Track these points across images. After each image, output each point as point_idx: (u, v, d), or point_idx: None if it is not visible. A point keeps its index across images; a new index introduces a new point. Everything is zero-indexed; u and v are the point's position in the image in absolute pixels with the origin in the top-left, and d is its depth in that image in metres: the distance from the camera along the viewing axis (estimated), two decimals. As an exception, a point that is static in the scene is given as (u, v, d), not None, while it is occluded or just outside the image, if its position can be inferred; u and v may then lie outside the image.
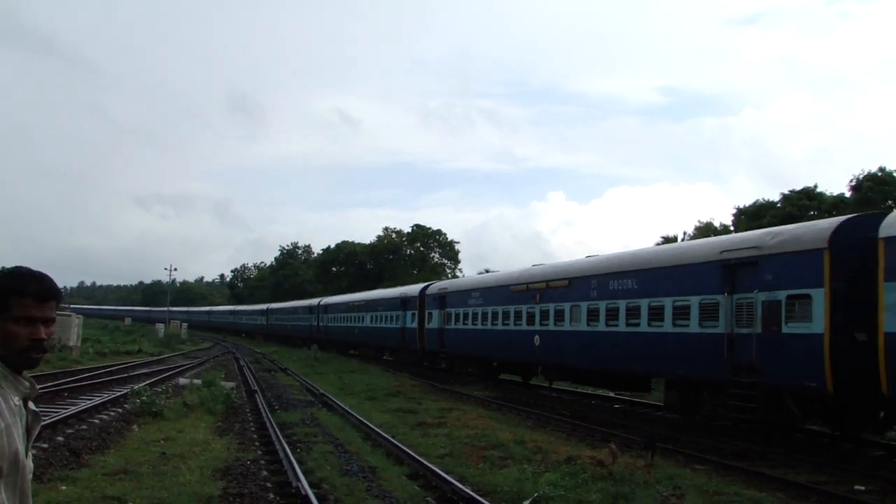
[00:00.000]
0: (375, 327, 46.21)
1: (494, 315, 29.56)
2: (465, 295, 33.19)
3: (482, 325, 30.70)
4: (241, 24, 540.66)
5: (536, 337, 25.85)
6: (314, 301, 65.76)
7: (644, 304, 19.98)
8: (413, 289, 41.79)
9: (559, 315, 24.44)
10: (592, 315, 22.45)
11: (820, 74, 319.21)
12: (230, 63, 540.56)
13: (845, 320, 14.34)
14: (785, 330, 15.33)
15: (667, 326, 19.04)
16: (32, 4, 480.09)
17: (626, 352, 20.82)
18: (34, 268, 2.63)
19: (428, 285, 39.94)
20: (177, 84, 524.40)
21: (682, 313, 18.49)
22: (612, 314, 21.37)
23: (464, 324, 32.67)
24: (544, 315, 25.37)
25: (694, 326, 18.05)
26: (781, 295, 15.52)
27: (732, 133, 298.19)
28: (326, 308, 58.92)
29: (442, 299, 35.73)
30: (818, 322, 14.59)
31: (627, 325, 20.64)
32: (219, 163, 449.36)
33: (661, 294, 19.41)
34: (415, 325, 38.80)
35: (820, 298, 14.61)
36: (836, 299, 14.45)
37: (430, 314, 36.90)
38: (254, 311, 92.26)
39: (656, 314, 19.45)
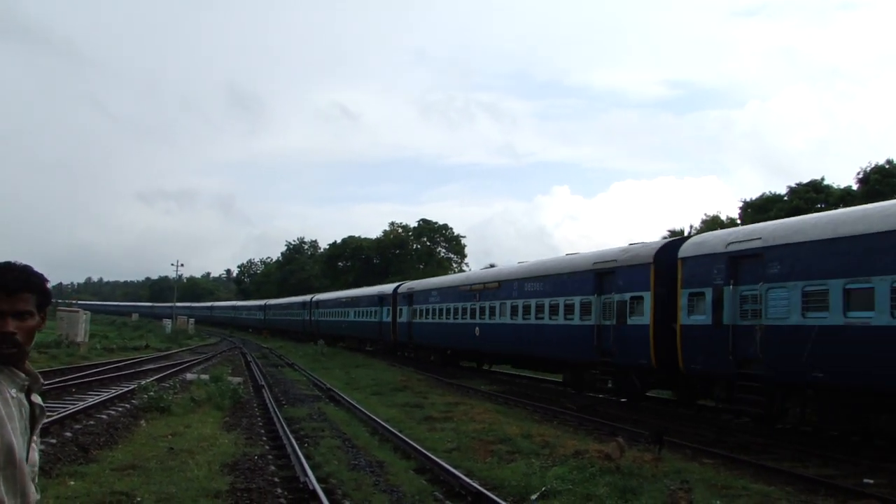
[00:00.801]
0: (358, 321, 51.71)
1: (448, 311, 35.17)
2: (427, 294, 38.71)
3: (439, 319, 36.27)
4: (237, 18, 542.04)
5: (477, 329, 31.51)
6: (307, 297, 71.00)
7: (546, 302, 25.60)
8: (388, 288, 47.08)
9: (492, 311, 30.10)
10: (514, 311, 27.98)
11: (822, 66, 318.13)
12: (228, 57, 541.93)
13: (663, 315, 19.40)
14: (629, 322, 20.82)
15: (560, 319, 24.56)
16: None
17: (538, 340, 26.43)
18: (38, 265, 2.62)
19: (399, 285, 45.17)
20: (174, 78, 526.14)
21: (569, 310, 24.01)
22: (527, 310, 26.97)
23: (426, 318, 38.24)
24: (482, 311, 31.04)
25: (577, 320, 23.43)
26: (627, 296, 21.01)
27: (738, 126, 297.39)
28: (317, 304, 64.50)
29: (410, 297, 41.06)
30: (647, 316, 20.06)
31: (536, 318, 26.26)
32: (220, 157, 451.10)
33: (557, 295, 24.95)
34: (389, 319, 44.36)
35: (648, 299, 20.11)
36: (658, 300, 19.80)
37: (401, 310, 42.50)
38: (252, 307, 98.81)
39: (554, 310, 25.02)
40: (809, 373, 14.74)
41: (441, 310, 36.14)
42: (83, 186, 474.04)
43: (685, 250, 19.10)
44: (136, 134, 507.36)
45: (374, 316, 47.54)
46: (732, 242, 17.54)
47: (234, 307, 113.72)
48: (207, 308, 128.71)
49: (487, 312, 30.52)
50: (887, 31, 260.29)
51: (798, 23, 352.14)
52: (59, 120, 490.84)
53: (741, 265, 17.08)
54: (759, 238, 16.71)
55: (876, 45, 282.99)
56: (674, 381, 20.81)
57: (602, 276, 22.39)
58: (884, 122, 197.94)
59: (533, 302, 26.57)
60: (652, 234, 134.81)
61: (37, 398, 2.57)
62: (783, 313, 15.55)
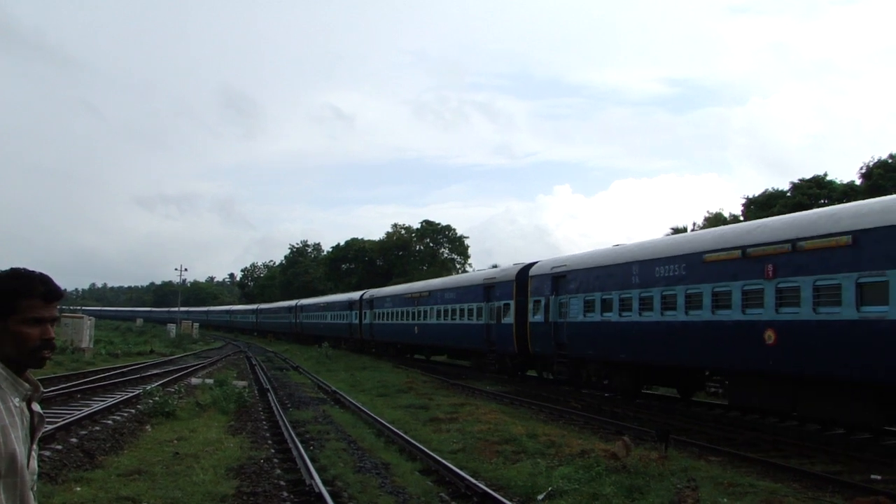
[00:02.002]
0: (334, 323, 60.49)
1: (397, 314, 44.22)
2: (384, 300, 47.52)
3: (392, 321, 45.28)
4: (228, 22, 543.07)
5: (416, 328, 40.85)
6: (292, 302, 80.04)
7: (457, 307, 35.25)
8: (355, 295, 56.05)
9: (426, 314, 39.31)
10: (439, 314, 37.36)
11: (816, 61, 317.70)
12: (220, 60, 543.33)
13: (521, 316, 28.44)
14: (503, 321, 30.17)
15: (465, 320, 34.13)
16: (19, 2, 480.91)
17: (453, 335, 36.23)
18: (43, 270, 2.64)
19: (364, 293, 54.07)
20: (167, 82, 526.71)
21: (470, 313, 33.72)
22: (446, 313, 36.46)
23: (383, 320, 47.09)
24: (419, 314, 40.24)
25: (474, 320, 33.07)
26: (501, 303, 30.46)
27: (737, 123, 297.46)
28: (301, 308, 73.19)
29: (371, 303, 49.89)
30: (511, 317, 29.29)
31: (451, 319, 35.84)
32: (217, 161, 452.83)
33: (463, 302, 34.76)
34: (357, 321, 53.05)
35: (512, 305, 29.29)
36: (518, 306, 28.83)
37: (365, 314, 51.12)
38: (246, 311, 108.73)
39: (461, 313, 34.68)
40: (587, 351, 23.87)
41: (393, 313, 45.17)
42: (82, 192, 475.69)
43: (532, 271, 28.05)
44: (132, 139, 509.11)
45: (345, 318, 56.46)
46: (555, 267, 26.32)
47: (229, 311, 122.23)
48: (204, 312, 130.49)
49: (422, 315, 39.83)
50: (882, 25, 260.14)
51: (793, 18, 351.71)
52: (54, 126, 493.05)
53: (558, 282, 25.63)
54: (566, 265, 25.58)
55: (871, 39, 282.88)
56: (529, 361, 29.78)
57: (488, 288, 32.00)
58: (881, 116, 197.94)
59: (449, 307, 36.28)
60: (654, 231, 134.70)
61: (36, 407, 2.58)
62: (575, 314, 24.17)
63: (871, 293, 13.69)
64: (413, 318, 41.19)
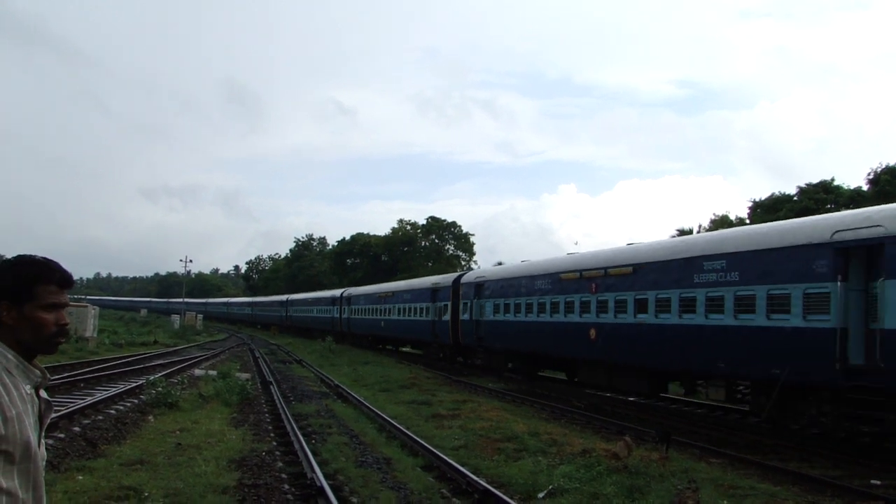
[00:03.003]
0: (319, 317, 67.22)
1: (368, 311, 51.46)
2: (360, 298, 54.35)
3: (364, 316, 52.47)
4: (232, 16, 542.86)
5: (382, 322, 47.78)
6: (283, 297, 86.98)
7: (412, 306, 41.73)
8: (337, 292, 62.99)
9: (389, 311, 46.27)
10: (399, 311, 44.18)
11: (823, 65, 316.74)
12: (224, 54, 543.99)
13: (457, 314, 34.66)
14: (443, 319, 36.22)
15: (417, 317, 40.41)
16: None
17: (408, 329, 42.81)
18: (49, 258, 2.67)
19: (345, 290, 60.94)
20: (172, 75, 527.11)
21: (420, 311, 40.09)
22: (403, 311, 43.31)
23: (359, 316, 53.88)
24: (385, 311, 47.19)
25: (423, 317, 39.34)
26: (442, 304, 36.40)
27: (744, 126, 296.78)
28: (291, 303, 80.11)
29: (349, 300, 56.74)
30: (449, 315, 35.38)
31: (407, 316, 42.50)
32: (221, 154, 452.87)
33: (416, 302, 41.11)
34: (338, 315, 59.62)
35: (450, 306, 35.37)
36: (453, 306, 35.03)
37: (344, 309, 57.67)
38: (242, 304, 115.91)
39: (414, 311, 41.05)
40: (497, 343, 30.70)
41: (366, 310, 52.28)
42: (88, 183, 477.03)
43: (463, 280, 35.37)
44: (136, 131, 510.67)
45: (328, 313, 63.10)
46: (477, 277, 33.82)
47: (226, 303, 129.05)
48: (202, 304, 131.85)
49: (388, 312, 46.59)
50: (888, 30, 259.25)
51: (799, 22, 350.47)
52: (60, 118, 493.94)
53: (479, 289, 32.48)
54: (484, 276, 33.16)
55: (876, 44, 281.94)
56: (460, 351, 36.16)
57: (434, 292, 38.26)
58: (886, 121, 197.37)
59: (406, 306, 42.81)
60: (659, 233, 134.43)
61: (44, 394, 2.61)
62: (489, 315, 30.92)
63: (640, 306, 20.28)
64: (380, 315, 48.24)
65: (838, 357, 13.99)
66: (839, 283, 14.16)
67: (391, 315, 45.65)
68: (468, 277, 35.02)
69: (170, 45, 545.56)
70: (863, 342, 13.88)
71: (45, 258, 2.62)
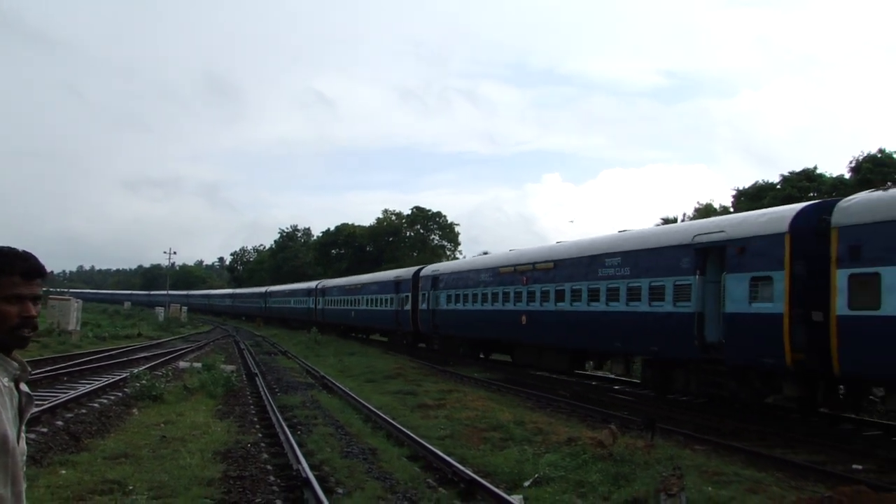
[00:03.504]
0: (296, 307, 71.50)
1: (341, 301, 55.74)
2: (332, 290, 59.16)
3: (336, 307, 56.95)
4: (211, 2, 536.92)
5: (353, 312, 51.95)
6: (262, 289, 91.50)
7: (378, 297, 46.05)
8: (312, 284, 67.93)
9: (358, 301, 50.48)
10: (367, 301, 48.34)
11: (803, 55, 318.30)
12: (202, 43, 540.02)
13: (416, 305, 38.24)
14: (404, 308, 40.15)
15: (383, 307, 44.85)
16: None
17: (376, 318, 46.95)
18: (29, 251, 2.61)
19: (319, 282, 65.92)
20: (149, 65, 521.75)
21: (385, 301, 44.32)
22: (371, 301, 47.35)
23: (332, 306, 58.35)
24: (355, 301, 51.36)
25: (387, 306, 43.68)
26: (404, 295, 40.25)
27: (726, 115, 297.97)
28: (270, 294, 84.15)
29: (323, 291, 61.68)
30: (409, 305, 39.18)
31: (374, 306, 46.67)
32: (203, 145, 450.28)
33: (381, 293, 45.64)
34: (314, 306, 64.03)
35: (411, 296, 39.05)
36: (413, 297, 38.77)
37: (319, 300, 62.50)
38: (223, 295, 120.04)
39: (380, 302, 45.63)
40: (450, 330, 34.68)
41: (338, 300, 56.55)
42: (68, 174, 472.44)
43: (422, 273, 39.02)
44: (115, 121, 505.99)
45: (304, 304, 67.71)
46: (434, 271, 37.47)
47: (206, 295, 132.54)
48: (184, 296, 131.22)
49: (357, 303, 50.97)
50: (864, 19, 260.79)
51: (781, 9, 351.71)
52: (35, 107, 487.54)
53: (435, 282, 36.06)
54: (439, 270, 36.83)
55: (859, 32, 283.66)
56: (421, 337, 40.04)
57: (397, 284, 42.28)
58: (868, 110, 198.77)
59: (373, 297, 47.01)
60: (644, 221, 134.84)
61: (24, 387, 2.56)
62: (444, 304, 34.55)
63: (559, 295, 24.10)
64: (351, 305, 52.75)
65: (696, 336, 17.38)
66: (697, 276, 17.65)
67: (360, 305, 49.92)
68: (426, 271, 38.83)
69: (147, 33, 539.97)
70: (717, 323, 17.00)
71: (10, 248, 2.56)
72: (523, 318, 26.39)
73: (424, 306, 37.25)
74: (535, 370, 28.04)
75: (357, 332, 54.82)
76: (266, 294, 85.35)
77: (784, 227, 15.56)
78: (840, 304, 13.88)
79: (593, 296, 22.07)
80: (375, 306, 46.16)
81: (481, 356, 33.60)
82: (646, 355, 20.54)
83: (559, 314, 23.96)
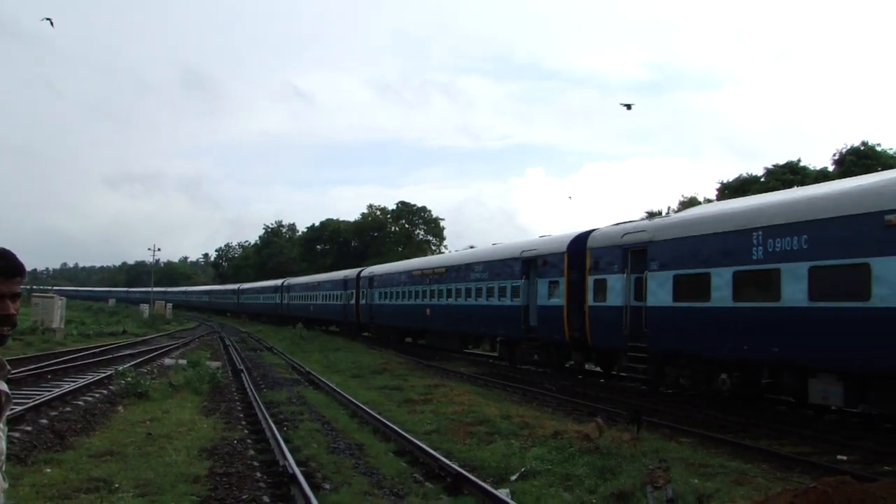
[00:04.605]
0: (265, 303, 79.32)
1: (302, 297, 63.84)
2: (296, 287, 67.10)
3: (300, 301, 64.49)
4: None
5: (311, 307, 59.53)
6: (235, 286, 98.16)
7: (334, 293, 53.89)
8: (279, 282, 75.04)
9: (315, 297, 58.84)
10: (323, 297, 56.49)
11: (783, 48, 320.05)
12: (180, 37, 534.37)
13: (357, 300, 47.61)
14: (350, 303, 48.66)
15: (335, 302, 53.24)
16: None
17: (330, 312, 55.27)
18: (11, 249, 2.57)
19: (285, 280, 73.30)
20: (128, 59, 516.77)
21: (336, 297, 52.70)
22: (326, 297, 55.65)
23: (296, 301, 65.76)
24: (313, 297, 59.45)
25: (338, 301, 52.21)
26: (350, 292, 48.80)
27: (711, 108, 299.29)
28: (243, 291, 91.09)
29: (288, 289, 69.17)
30: (354, 301, 47.95)
31: (329, 301, 54.65)
32: (184, 140, 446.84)
33: (335, 290, 53.65)
34: (279, 301, 71.63)
35: (354, 294, 48.12)
36: (357, 294, 47.72)
37: (285, 296, 69.70)
38: (200, 292, 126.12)
39: (333, 297, 54.02)
40: (382, 321, 43.14)
41: (302, 296, 64.14)
42: (48, 170, 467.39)
43: (362, 274, 47.30)
44: (93, 117, 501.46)
45: (273, 300, 74.85)
46: (370, 272, 45.74)
47: (185, 291, 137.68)
48: (162, 293, 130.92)
49: (315, 298, 58.98)
50: (849, 16, 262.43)
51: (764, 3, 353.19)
52: (12, 103, 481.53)
53: (371, 281, 44.46)
54: (374, 272, 45.40)
55: (845, 28, 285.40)
56: (364, 328, 47.08)
57: (346, 282, 50.11)
58: (851, 103, 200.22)
59: (327, 293, 55.28)
60: (628, 214, 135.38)
61: (3, 385, 2.53)
62: (377, 300, 43.31)
63: (450, 293, 32.44)
64: (310, 300, 60.99)
65: (523, 322, 25.31)
66: (524, 280, 25.47)
67: (317, 301, 58.51)
68: (365, 273, 47.40)
69: (125, 26, 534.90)
70: (535, 313, 24.58)
71: None
72: (428, 310, 34.85)
73: (364, 301, 45.81)
74: (440, 350, 35.32)
75: (315, 324, 59.49)
76: (239, 291, 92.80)
77: (564, 248, 23.03)
78: (590, 299, 21.01)
79: (468, 294, 30.25)
80: (329, 301, 54.75)
81: (408, 340, 41.40)
82: (499, 336, 28.85)
83: (449, 307, 32.30)
